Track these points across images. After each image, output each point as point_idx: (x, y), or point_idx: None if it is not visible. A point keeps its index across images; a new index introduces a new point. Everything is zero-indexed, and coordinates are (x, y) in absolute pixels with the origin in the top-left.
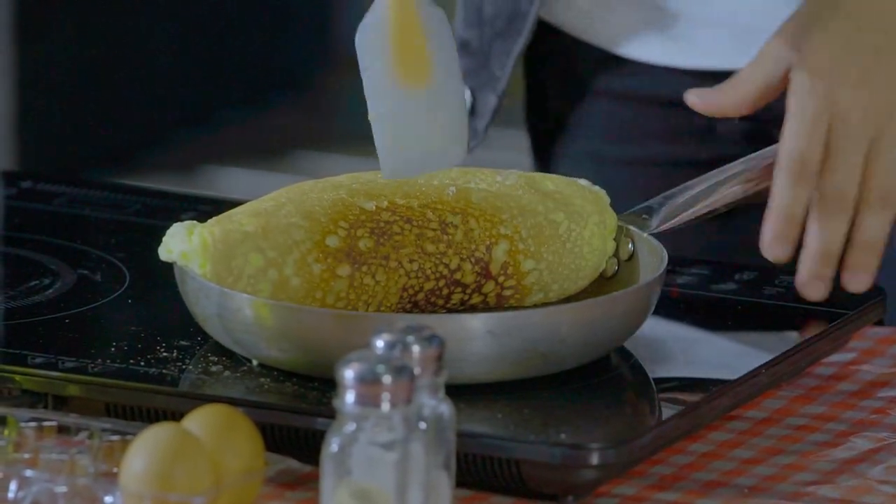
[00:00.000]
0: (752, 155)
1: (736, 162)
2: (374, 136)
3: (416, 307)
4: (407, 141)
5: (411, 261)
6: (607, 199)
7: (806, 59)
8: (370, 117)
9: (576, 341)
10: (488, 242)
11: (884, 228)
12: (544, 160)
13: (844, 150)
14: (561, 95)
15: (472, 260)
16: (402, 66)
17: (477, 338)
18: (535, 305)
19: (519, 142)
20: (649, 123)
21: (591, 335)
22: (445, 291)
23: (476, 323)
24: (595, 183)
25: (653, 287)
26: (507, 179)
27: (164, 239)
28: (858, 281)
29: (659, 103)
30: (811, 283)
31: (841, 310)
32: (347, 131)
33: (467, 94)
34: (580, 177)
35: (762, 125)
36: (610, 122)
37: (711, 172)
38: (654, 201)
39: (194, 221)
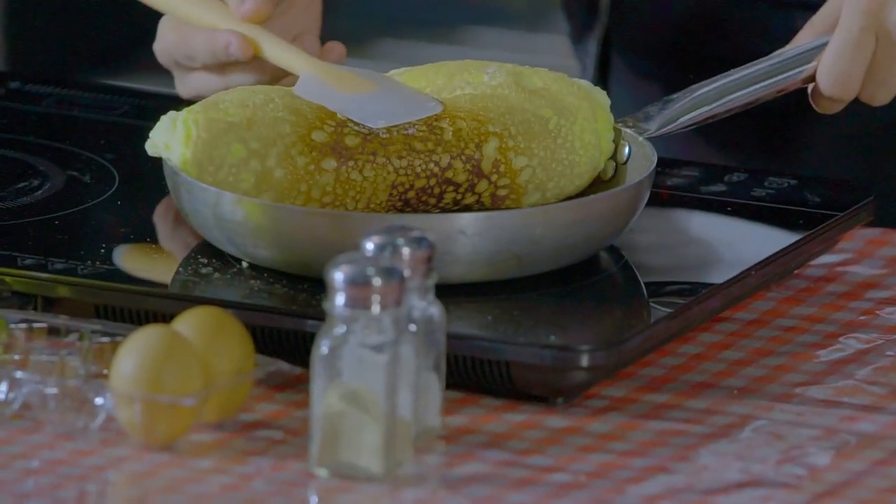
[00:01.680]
0: (759, 61)
1: (741, 67)
2: (345, 111)
3: (407, 206)
4: (383, 106)
5: (400, 157)
6: (606, 101)
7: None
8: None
9: (550, 244)
10: (477, 140)
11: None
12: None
13: None
14: None
15: (463, 158)
16: (345, 87)
17: (450, 238)
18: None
19: (511, 41)
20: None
21: (567, 238)
22: (437, 190)
23: (449, 223)
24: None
25: (632, 192)
26: (494, 78)
27: (151, 133)
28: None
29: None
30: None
31: (830, 211)
32: (339, 32)
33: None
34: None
35: None
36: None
37: (715, 77)
38: (654, 105)
39: (177, 111)
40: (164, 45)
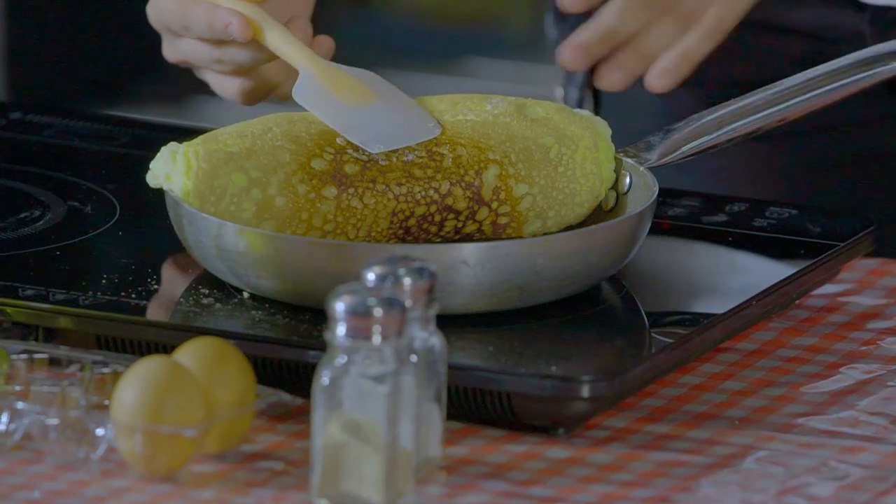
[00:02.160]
0: (759, 91)
1: (741, 97)
2: (342, 131)
3: (408, 234)
4: (381, 128)
5: (399, 184)
6: (608, 130)
7: None
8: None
9: (552, 274)
10: (477, 168)
11: (664, 42)
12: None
13: None
14: None
15: (463, 185)
16: (344, 94)
17: (452, 268)
18: (535, 235)
19: (511, 72)
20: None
21: (569, 268)
22: (438, 218)
23: (452, 254)
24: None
25: (633, 222)
26: (497, 108)
27: (151, 164)
28: (611, 78)
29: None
30: (575, 49)
31: (831, 241)
32: (337, 62)
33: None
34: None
35: None
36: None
37: (716, 107)
38: (655, 135)
39: (178, 143)
40: (160, 9)
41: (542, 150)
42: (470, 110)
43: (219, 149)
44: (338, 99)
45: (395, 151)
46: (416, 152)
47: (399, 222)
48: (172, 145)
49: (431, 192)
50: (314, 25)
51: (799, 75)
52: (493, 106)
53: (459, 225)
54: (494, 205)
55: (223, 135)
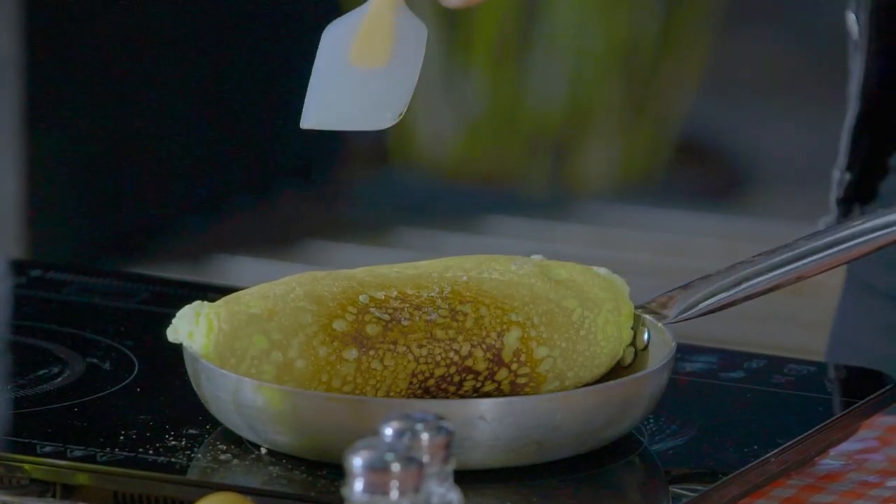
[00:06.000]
0: (777, 249)
1: (760, 255)
2: (309, 87)
3: (426, 393)
4: (337, 99)
5: (420, 346)
6: (626, 288)
7: None
8: (314, 68)
9: (570, 430)
10: (499, 329)
11: None
12: None
13: None
14: None
15: (484, 347)
16: (361, 49)
17: (470, 423)
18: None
19: (530, 230)
20: None
21: (587, 424)
22: (457, 378)
23: (469, 409)
24: None
25: (652, 378)
26: (522, 268)
27: (174, 321)
28: None
29: None
30: None
31: (850, 398)
32: (357, 220)
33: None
34: None
35: None
36: None
37: (735, 264)
38: (674, 291)
39: (203, 302)
40: None
41: (564, 313)
42: (495, 269)
43: (240, 310)
44: (347, 55)
45: (418, 310)
46: (439, 311)
47: (418, 383)
48: (197, 304)
49: (452, 353)
50: (339, 181)
51: (818, 234)
52: (517, 266)
53: (478, 385)
54: (514, 366)
55: (245, 296)
